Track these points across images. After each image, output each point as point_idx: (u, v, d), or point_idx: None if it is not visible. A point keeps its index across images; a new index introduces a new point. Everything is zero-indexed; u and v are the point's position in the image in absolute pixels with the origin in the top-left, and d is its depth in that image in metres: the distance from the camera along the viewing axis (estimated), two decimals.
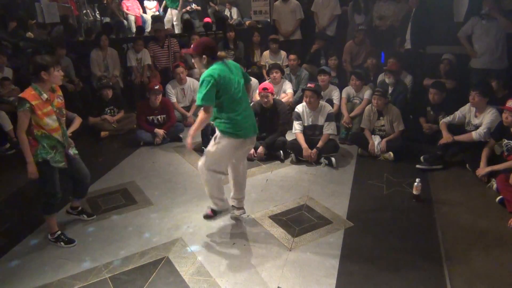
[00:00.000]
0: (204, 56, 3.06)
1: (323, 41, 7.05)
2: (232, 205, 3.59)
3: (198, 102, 2.98)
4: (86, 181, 3.56)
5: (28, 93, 3.04)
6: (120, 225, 3.64)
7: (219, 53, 3.16)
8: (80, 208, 3.74)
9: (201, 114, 3.03)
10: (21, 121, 3.04)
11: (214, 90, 2.96)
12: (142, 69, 6.99)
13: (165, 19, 9.94)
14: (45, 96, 3.09)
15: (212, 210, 3.43)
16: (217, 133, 3.21)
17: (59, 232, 3.41)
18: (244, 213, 3.64)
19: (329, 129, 4.81)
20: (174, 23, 9.83)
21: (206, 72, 3.01)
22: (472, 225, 3.49)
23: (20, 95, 3.04)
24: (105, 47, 6.85)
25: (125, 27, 9.73)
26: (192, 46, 3.12)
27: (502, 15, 5.20)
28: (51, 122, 3.13)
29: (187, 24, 8.52)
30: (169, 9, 10.14)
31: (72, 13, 8.83)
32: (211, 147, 3.22)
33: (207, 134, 5.16)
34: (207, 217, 3.45)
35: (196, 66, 3.14)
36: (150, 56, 7.09)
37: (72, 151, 3.39)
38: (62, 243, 3.37)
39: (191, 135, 3.09)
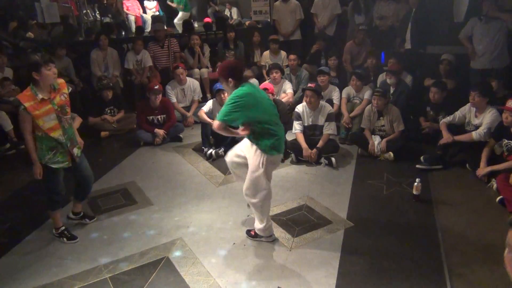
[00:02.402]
0: (230, 79, 3.03)
1: (323, 41, 7.05)
2: None
3: (218, 117, 2.95)
4: (88, 183, 3.52)
5: (24, 94, 3.03)
6: (120, 225, 3.64)
7: (245, 73, 3.13)
8: (82, 214, 3.71)
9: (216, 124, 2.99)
10: (21, 122, 3.05)
11: (237, 110, 2.92)
12: (142, 70, 6.97)
13: (175, 21, 10.01)
14: (40, 96, 3.04)
15: (255, 232, 3.33)
16: (260, 156, 3.04)
17: (63, 228, 3.43)
18: (274, 239, 3.40)
19: (329, 129, 4.81)
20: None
21: (233, 93, 2.99)
22: (472, 225, 3.49)
23: (17, 96, 3.04)
24: (105, 47, 6.84)
25: (127, 26, 9.75)
26: (217, 70, 3.12)
27: (502, 12, 5.21)
28: (48, 121, 3.08)
29: (186, 24, 8.53)
30: (180, 13, 10.19)
31: (72, 13, 8.83)
32: (257, 174, 3.07)
33: (207, 134, 5.17)
34: (248, 233, 3.39)
35: (224, 88, 3.14)
36: (150, 56, 7.08)
37: (76, 151, 3.32)
38: (64, 238, 3.39)
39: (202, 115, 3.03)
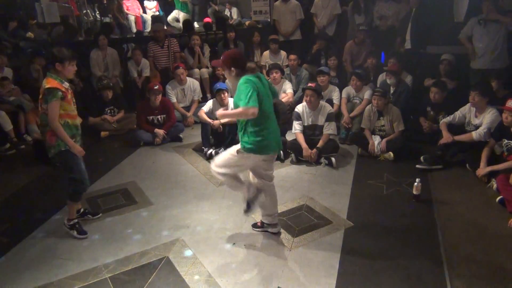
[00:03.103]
0: (232, 68, 3.00)
1: (323, 41, 7.05)
2: (266, 223, 3.41)
3: (243, 104, 2.83)
4: None
5: (53, 83, 3.12)
6: (120, 225, 3.64)
7: (248, 64, 3.10)
8: (82, 210, 3.73)
9: (242, 110, 2.86)
10: (54, 111, 3.12)
11: (256, 92, 2.86)
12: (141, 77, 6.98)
13: (169, 18, 9.99)
14: (66, 84, 3.22)
15: (261, 222, 3.41)
16: (239, 148, 3.07)
17: (75, 220, 3.47)
18: (279, 231, 3.42)
19: (329, 129, 4.81)
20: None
21: (242, 79, 2.93)
22: (472, 225, 3.49)
23: (47, 86, 3.10)
24: (104, 47, 6.84)
25: (126, 28, 9.74)
26: (221, 59, 3.07)
27: (502, 14, 5.21)
28: (74, 108, 3.27)
29: (186, 24, 8.53)
30: (177, 11, 10.19)
31: (72, 13, 8.83)
32: (229, 155, 3.12)
33: (207, 134, 5.17)
34: (255, 225, 3.48)
35: (227, 78, 3.13)
36: (150, 56, 7.08)
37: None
38: (75, 232, 3.43)
39: (224, 113, 3.22)
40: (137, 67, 6.91)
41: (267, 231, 3.40)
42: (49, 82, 3.12)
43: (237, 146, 3.11)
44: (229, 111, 3.00)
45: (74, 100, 3.37)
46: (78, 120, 3.39)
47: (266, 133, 3.01)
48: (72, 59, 3.19)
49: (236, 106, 2.99)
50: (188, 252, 3.21)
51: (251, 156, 3.05)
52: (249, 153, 3.02)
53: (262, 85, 3.03)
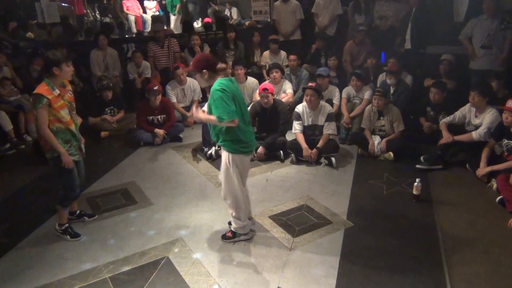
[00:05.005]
0: (204, 71, 2.99)
1: (323, 41, 7.05)
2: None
3: (224, 118, 2.83)
4: (83, 182, 3.57)
5: (43, 88, 3.11)
6: (120, 225, 3.64)
7: (218, 65, 3.09)
8: (78, 212, 3.72)
9: (226, 123, 2.91)
10: (41, 117, 3.11)
11: (232, 101, 2.90)
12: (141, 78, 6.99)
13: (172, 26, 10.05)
14: (57, 91, 3.16)
15: (232, 232, 3.34)
16: (226, 156, 3.09)
17: (67, 225, 3.46)
18: (254, 223, 3.50)
19: (329, 129, 4.81)
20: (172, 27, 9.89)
21: (215, 87, 2.92)
22: (472, 225, 3.49)
23: (35, 91, 3.09)
24: (104, 47, 6.84)
25: (125, 28, 9.76)
26: (191, 64, 3.06)
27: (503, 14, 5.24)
28: (65, 115, 3.21)
29: (186, 25, 8.53)
30: (170, 15, 10.24)
31: (72, 13, 8.84)
32: (226, 173, 3.12)
33: (207, 134, 5.16)
34: (224, 237, 3.37)
35: (199, 83, 3.07)
36: (150, 56, 7.08)
37: (82, 147, 3.47)
38: (68, 236, 3.42)
39: (199, 116, 3.08)
40: (137, 69, 6.91)
41: (240, 240, 3.34)
42: (39, 87, 3.10)
43: (224, 160, 3.11)
44: (207, 118, 3.01)
45: (73, 105, 3.32)
46: (75, 125, 3.32)
47: (245, 134, 3.05)
48: (67, 60, 3.16)
49: (210, 111, 2.98)
50: (188, 252, 3.21)
51: (240, 157, 3.06)
52: (236, 154, 3.04)
53: (235, 88, 3.02)
